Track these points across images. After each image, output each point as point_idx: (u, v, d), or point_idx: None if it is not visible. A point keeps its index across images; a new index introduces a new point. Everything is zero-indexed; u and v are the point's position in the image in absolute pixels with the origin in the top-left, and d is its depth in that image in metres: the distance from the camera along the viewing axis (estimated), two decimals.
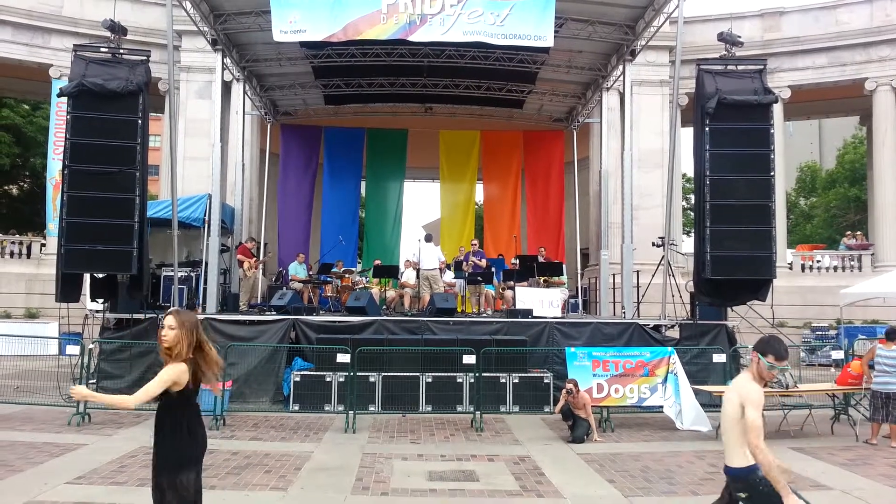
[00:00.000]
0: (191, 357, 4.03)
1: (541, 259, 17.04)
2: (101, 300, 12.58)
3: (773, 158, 12.33)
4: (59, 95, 15.06)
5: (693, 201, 14.94)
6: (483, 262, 16.51)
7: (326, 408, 11.26)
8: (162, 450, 4.03)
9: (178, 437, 4.01)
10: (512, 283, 15.68)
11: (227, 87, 17.92)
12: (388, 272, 17.00)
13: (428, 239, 16.29)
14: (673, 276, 13.80)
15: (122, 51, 12.11)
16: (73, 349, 10.96)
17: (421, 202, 28.49)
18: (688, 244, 26.09)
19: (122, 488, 6.79)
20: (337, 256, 17.79)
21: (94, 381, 11.53)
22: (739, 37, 13.17)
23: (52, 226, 20.60)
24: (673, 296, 13.67)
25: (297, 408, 11.31)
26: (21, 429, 9.62)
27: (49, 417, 10.33)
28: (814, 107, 25.73)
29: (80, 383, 10.17)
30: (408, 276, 16.56)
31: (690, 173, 27.00)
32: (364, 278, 17.46)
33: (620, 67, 15.48)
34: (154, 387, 3.92)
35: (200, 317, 12.25)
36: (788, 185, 37.47)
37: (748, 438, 3.89)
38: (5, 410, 10.75)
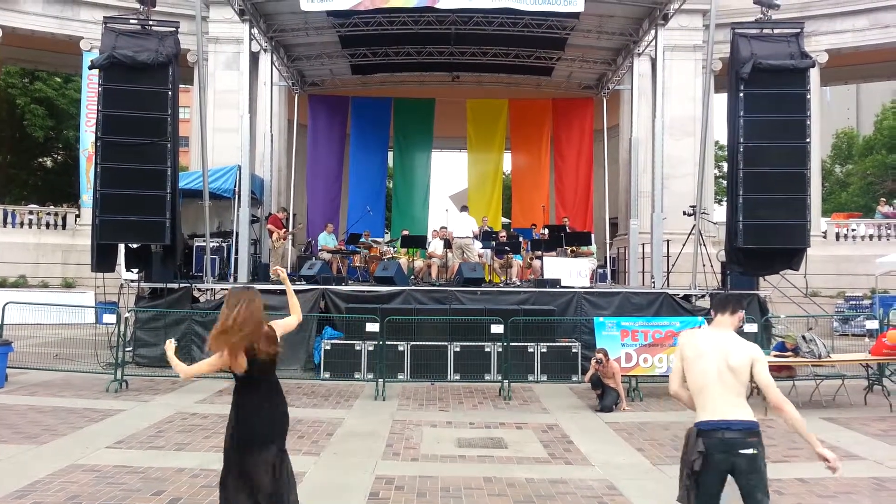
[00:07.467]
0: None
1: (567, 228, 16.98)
2: (135, 270, 12.81)
3: (809, 125, 12.02)
4: (90, 68, 15.27)
5: (725, 169, 14.59)
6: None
7: (356, 376, 11.42)
8: None
9: None
10: (540, 252, 15.63)
11: (254, 58, 17.90)
12: (416, 242, 17.06)
13: (463, 209, 16.62)
14: (704, 245, 13.63)
15: (151, 22, 12.11)
16: (109, 318, 11.17)
17: (448, 172, 28.40)
18: (719, 213, 25.72)
19: (160, 452, 6.97)
20: (364, 227, 17.87)
21: (131, 348, 11.82)
22: None
23: (87, 197, 20.97)
24: (704, 265, 13.52)
25: (327, 376, 11.48)
26: (61, 395, 9.91)
27: (87, 384, 10.62)
28: (852, 71, 24.99)
29: (117, 351, 10.45)
30: (435, 246, 16.59)
31: (723, 140, 26.66)
32: (392, 248, 17.53)
33: (652, 32, 15.15)
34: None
35: (231, 286, 12.57)
36: (824, 152, 36.51)
37: (774, 393, 3.82)
38: (46, 377, 11.07)
